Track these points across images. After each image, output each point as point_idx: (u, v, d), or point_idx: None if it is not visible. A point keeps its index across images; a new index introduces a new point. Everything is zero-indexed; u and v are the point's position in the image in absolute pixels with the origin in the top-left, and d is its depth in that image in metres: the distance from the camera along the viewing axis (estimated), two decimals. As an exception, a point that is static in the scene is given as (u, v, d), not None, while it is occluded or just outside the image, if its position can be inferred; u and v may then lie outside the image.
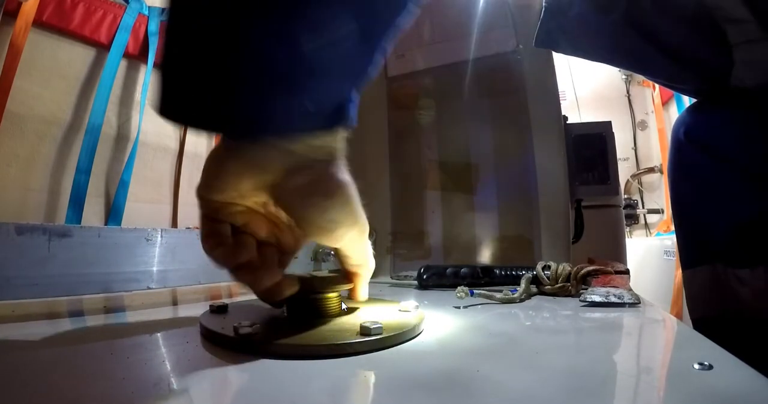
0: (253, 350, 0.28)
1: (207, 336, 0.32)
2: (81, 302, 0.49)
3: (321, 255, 0.72)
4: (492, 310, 0.45)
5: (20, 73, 1.36)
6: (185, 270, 0.51)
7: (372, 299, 0.45)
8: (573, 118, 0.98)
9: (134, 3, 1.71)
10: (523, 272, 0.56)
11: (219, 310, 0.38)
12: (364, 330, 0.29)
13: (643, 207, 2.78)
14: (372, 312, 0.38)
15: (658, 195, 2.74)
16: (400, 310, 0.38)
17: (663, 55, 0.57)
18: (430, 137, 0.88)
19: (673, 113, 2.38)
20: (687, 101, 0.71)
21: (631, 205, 2.69)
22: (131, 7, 1.70)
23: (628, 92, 2.94)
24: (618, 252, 0.97)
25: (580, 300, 0.47)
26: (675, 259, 1.67)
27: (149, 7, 1.78)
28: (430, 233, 0.85)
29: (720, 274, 0.55)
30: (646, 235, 2.72)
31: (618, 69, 2.61)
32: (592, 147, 0.85)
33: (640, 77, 2.71)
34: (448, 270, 0.63)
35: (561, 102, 0.80)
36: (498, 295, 0.49)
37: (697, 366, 0.24)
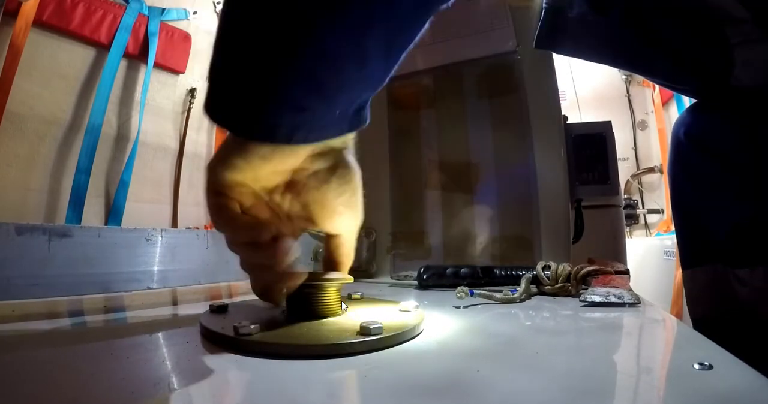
0: (253, 350, 0.28)
1: (207, 336, 0.32)
2: (81, 302, 0.49)
3: (321, 255, 0.72)
4: (492, 310, 0.45)
5: (20, 73, 1.36)
6: (185, 270, 0.51)
7: (372, 299, 0.45)
8: (573, 118, 0.98)
9: (134, 3, 1.71)
10: (523, 272, 0.56)
11: (219, 310, 0.38)
12: (364, 330, 0.29)
13: (643, 207, 2.78)
14: (372, 312, 0.38)
15: (658, 195, 2.74)
16: (400, 310, 0.38)
17: (663, 55, 0.57)
18: (430, 137, 0.88)
19: (673, 113, 2.38)
20: (687, 101, 0.71)
21: (631, 205, 2.70)
22: (131, 7, 1.70)
23: (628, 92, 2.94)
24: (618, 252, 0.97)
25: (580, 300, 0.47)
26: (675, 259, 1.67)
27: (149, 7, 1.78)
28: (430, 233, 0.85)
29: (720, 274, 0.55)
30: (646, 235, 2.72)
31: (618, 69, 2.61)
32: (592, 147, 0.85)
33: (640, 77, 2.70)
34: (448, 270, 0.63)
35: (561, 102, 0.80)
36: (498, 295, 0.49)
37: (697, 366, 0.24)
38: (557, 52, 0.68)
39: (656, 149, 2.75)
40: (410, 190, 0.88)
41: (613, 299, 0.45)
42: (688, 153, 0.59)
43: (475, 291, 0.51)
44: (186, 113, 2.01)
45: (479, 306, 0.47)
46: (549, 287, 0.54)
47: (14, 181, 1.43)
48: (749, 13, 0.51)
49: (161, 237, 0.48)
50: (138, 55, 1.73)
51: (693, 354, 0.28)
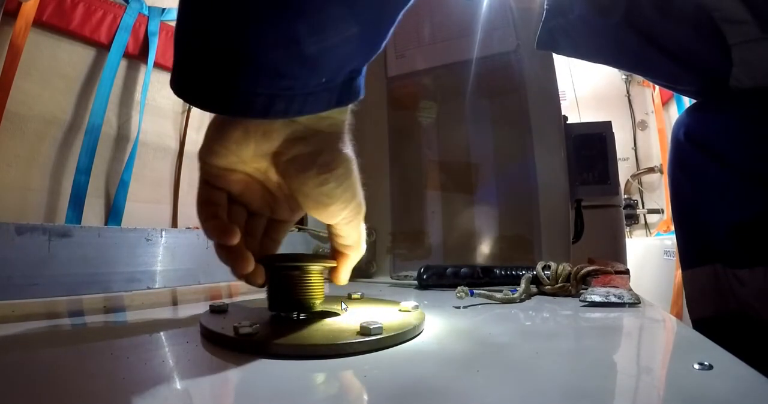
0: (253, 350, 0.28)
1: (207, 336, 0.32)
2: (81, 302, 0.49)
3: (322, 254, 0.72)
4: (492, 310, 0.45)
5: (20, 73, 1.36)
6: (185, 270, 0.51)
7: (372, 299, 0.45)
8: (573, 118, 0.98)
9: (134, 3, 1.71)
10: (523, 272, 0.56)
11: (219, 310, 0.38)
12: (364, 330, 0.29)
13: (643, 207, 2.78)
14: (372, 312, 0.38)
15: (658, 195, 2.74)
16: (400, 310, 0.38)
17: (663, 56, 0.57)
18: (430, 137, 0.88)
19: (673, 113, 2.38)
20: (687, 101, 0.71)
21: (631, 205, 2.69)
22: (131, 7, 1.70)
23: (628, 92, 2.94)
24: (618, 252, 0.97)
25: (580, 300, 0.47)
26: (675, 259, 1.67)
27: (149, 7, 1.78)
28: (430, 233, 0.85)
29: (720, 275, 0.55)
30: (646, 235, 2.72)
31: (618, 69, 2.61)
32: (592, 147, 0.85)
33: (640, 77, 2.70)
34: (448, 270, 0.62)
35: (561, 102, 0.80)
36: (498, 295, 0.49)
37: (697, 366, 0.24)
38: (558, 53, 0.68)
39: (656, 149, 2.74)
40: (410, 190, 0.88)
41: (613, 299, 0.45)
42: (688, 153, 0.59)
43: (475, 291, 0.51)
44: (186, 113, 2.01)
45: (479, 306, 0.47)
46: (549, 287, 0.54)
47: (14, 181, 1.43)
48: (750, 13, 0.51)
49: (161, 237, 0.48)
50: (138, 55, 1.73)
51: (693, 354, 0.28)
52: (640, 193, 2.84)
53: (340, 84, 0.27)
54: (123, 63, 1.73)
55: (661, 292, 1.76)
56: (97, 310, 0.46)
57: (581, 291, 0.52)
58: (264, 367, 0.26)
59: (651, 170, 2.82)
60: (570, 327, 0.39)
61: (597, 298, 0.46)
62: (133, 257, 0.46)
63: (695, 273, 0.59)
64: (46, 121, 1.54)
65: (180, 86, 0.26)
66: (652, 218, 2.76)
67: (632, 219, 2.69)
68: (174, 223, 1.86)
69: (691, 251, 0.61)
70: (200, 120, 1.98)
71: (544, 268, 0.55)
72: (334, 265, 0.35)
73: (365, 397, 0.22)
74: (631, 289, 0.48)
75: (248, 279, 0.32)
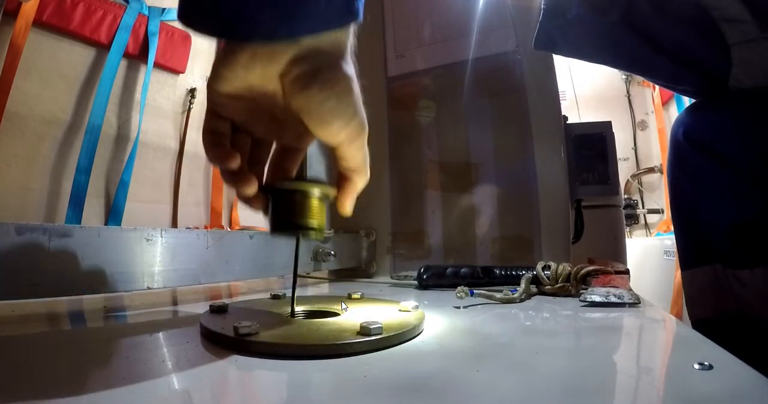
0: (253, 350, 0.28)
1: (207, 336, 0.32)
2: (81, 302, 0.49)
3: (321, 255, 0.72)
4: (492, 310, 0.45)
5: (20, 73, 1.36)
6: (185, 270, 0.51)
7: (372, 299, 0.45)
8: (573, 118, 0.98)
9: (134, 3, 1.71)
10: (523, 272, 0.56)
11: (219, 310, 0.38)
12: (364, 330, 0.29)
13: (643, 207, 2.78)
14: (372, 312, 0.38)
15: (658, 195, 2.74)
16: (400, 310, 0.38)
17: (662, 55, 0.57)
18: (429, 137, 0.88)
19: (673, 113, 2.38)
20: (687, 101, 0.71)
21: (631, 205, 2.69)
22: (131, 7, 1.70)
23: (628, 92, 2.94)
24: (618, 252, 0.97)
25: (580, 300, 0.47)
26: (675, 259, 1.67)
27: (149, 7, 1.78)
28: (430, 233, 0.85)
29: (719, 275, 0.55)
30: (646, 235, 2.72)
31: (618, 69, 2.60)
32: (592, 147, 0.85)
33: (640, 77, 2.70)
34: (448, 270, 0.62)
35: (561, 102, 0.80)
36: (498, 295, 0.49)
37: (697, 366, 0.24)
38: (556, 53, 0.68)
39: (656, 149, 2.74)
40: (410, 190, 0.88)
41: (613, 299, 0.45)
42: (688, 153, 0.59)
43: (475, 291, 0.51)
44: (186, 113, 2.02)
45: (479, 306, 0.47)
46: (549, 287, 0.54)
47: (14, 181, 1.43)
48: (749, 12, 0.51)
49: (161, 237, 0.48)
50: (138, 55, 1.73)
51: (693, 354, 0.28)
52: (640, 193, 2.84)
53: (340, 6, 0.28)
54: (123, 63, 1.73)
55: (661, 292, 1.76)
56: (97, 310, 0.46)
57: (581, 291, 0.52)
58: (264, 367, 0.26)
59: (651, 170, 2.82)
60: (570, 327, 0.39)
61: (597, 298, 0.46)
62: (133, 257, 0.45)
63: (695, 274, 0.59)
64: (46, 121, 1.54)
65: (187, 15, 0.27)
66: (652, 218, 2.76)
67: (632, 219, 2.69)
68: (174, 223, 1.86)
69: (691, 251, 0.61)
70: (200, 120, 1.98)
71: (544, 268, 0.55)
72: (335, 193, 0.35)
73: (365, 397, 0.22)
74: (631, 289, 0.48)
75: (250, 202, 0.33)
